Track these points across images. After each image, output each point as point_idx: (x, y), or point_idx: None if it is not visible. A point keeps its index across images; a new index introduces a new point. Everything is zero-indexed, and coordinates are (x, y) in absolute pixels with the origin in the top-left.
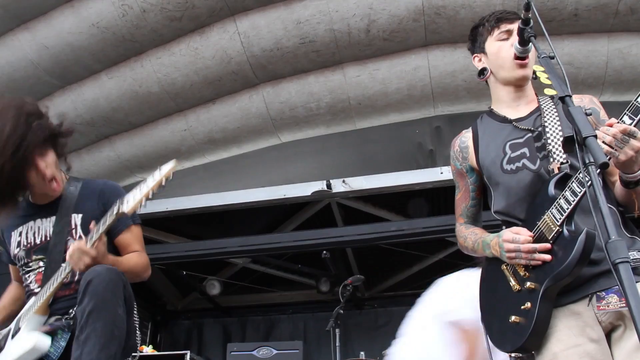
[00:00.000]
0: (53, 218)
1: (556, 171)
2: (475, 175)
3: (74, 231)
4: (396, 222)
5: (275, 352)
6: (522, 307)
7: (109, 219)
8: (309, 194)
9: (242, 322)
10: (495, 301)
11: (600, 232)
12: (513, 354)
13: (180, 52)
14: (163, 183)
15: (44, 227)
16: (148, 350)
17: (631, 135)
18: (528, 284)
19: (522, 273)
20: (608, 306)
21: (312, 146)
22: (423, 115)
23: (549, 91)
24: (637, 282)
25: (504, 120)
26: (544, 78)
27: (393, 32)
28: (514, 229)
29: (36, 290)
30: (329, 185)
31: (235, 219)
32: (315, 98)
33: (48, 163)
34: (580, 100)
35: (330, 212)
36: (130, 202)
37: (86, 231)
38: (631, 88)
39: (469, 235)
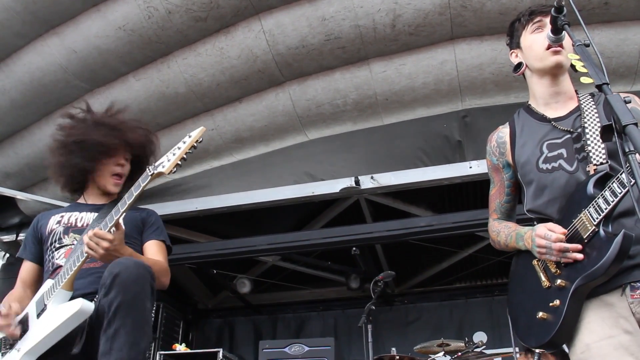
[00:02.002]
0: (94, 214)
1: (593, 173)
2: (511, 171)
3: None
4: (425, 217)
5: (307, 348)
6: (551, 304)
7: (143, 182)
8: (338, 190)
9: (272, 320)
10: (523, 295)
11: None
12: (538, 350)
13: (206, 52)
14: (195, 144)
15: (88, 217)
16: (181, 348)
17: None
18: (559, 281)
19: (553, 270)
20: None
21: (340, 143)
22: (450, 109)
23: (585, 79)
24: None
25: (543, 118)
26: (579, 66)
27: (419, 26)
28: (549, 224)
29: (61, 263)
30: (357, 182)
31: (264, 218)
32: (342, 94)
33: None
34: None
35: (359, 208)
36: (165, 164)
37: (128, 227)
38: None
39: (502, 229)
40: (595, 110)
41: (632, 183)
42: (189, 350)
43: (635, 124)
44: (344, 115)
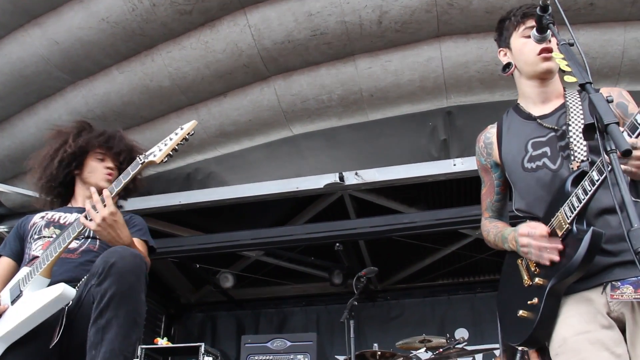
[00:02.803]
0: (77, 215)
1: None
2: (499, 171)
3: None
4: (409, 214)
5: (289, 343)
6: (529, 302)
7: (133, 169)
8: (322, 186)
9: (255, 315)
10: (509, 294)
11: (622, 220)
12: (520, 348)
13: (191, 45)
14: (187, 137)
15: (72, 217)
16: (163, 342)
17: (635, 148)
18: (537, 279)
19: (533, 268)
20: (622, 296)
21: (324, 139)
22: (436, 107)
23: (568, 78)
24: None
25: (529, 117)
26: (563, 65)
27: (405, 23)
28: (532, 223)
29: (38, 254)
30: (341, 178)
31: (248, 212)
32: (327, 90)
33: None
34: (609, 94)
35: (342, 204)
36: (157, 154)
37: None
38: None
39: (491, 230)
40: (580, 107)
41: (603, 177)
42: (170, 345)
43: (617, 123)
44: (329, 111)
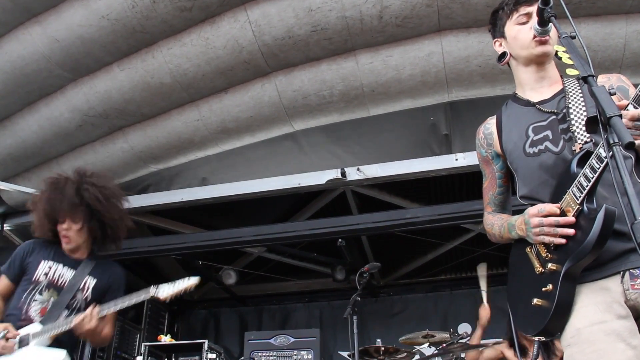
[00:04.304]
0: (73, 272)
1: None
2: (501, 161)
3: (84, 289)
4: (411, 209)
5: (292, 339)
6: (544, 289)
7: (139, 297)
8: (324, 182)
9: (258, 311)
10: (520, 285)
11: (626, 212)
12: (537, 338)
13: (192, 42)
14: (189, 290)
15: (66, 276)
16: (166, 339)
17: None
18: (549, 265)
19: (544, 255)
20: None
21: (326, 134)
22: (437, 101)
23: (571, 71)
24: None
25: (528, 103)
26: (565, 58)
27: (406, 18)
28: (540, 205)
29: (36, 319)
30: (343, 174)
31: (250, 209)
32: (328, 86)
33: (72, 228)
34: (607, 79)
35: (345, 200)
36: (163, 292)
37: (95, 293)
38: None
39: (495, 222)
40: (580, 92)
41: (610, 155)
42: (174, 342)
43: (620, 116)
44: (330, 107)
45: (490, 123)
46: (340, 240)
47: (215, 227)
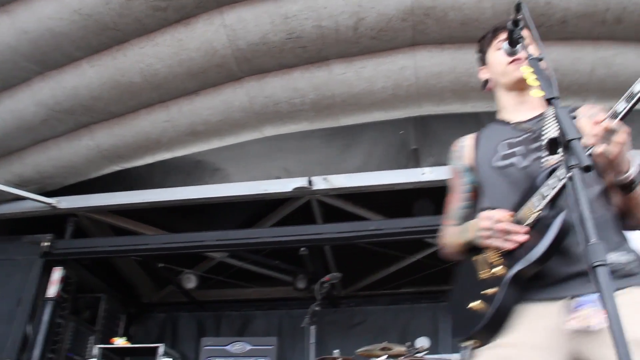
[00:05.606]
0: None
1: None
2: (471, 176)
3: None
4: (375, 221)
5: (249, 347)
6: (488, 291)
7: None
8: (290, 190)
9: (217, 317)
10: (463, 292)
11: (578, 235)
12: (469, 343)
13: (165, 42)
14: None
15: None
16: (121, 342)
17: (613, 131)
18: (497, 269)
19: (493, 259)
20: (582, 320)
21: (295, 142)
22: (408, 115)
23: (536, 92)
24: (620, 287)
25: (505, 123)
26: (532, 79)
27: (381, 30)
28: (492, 211)
29: None
30: (310, 182)
31: (215, 213)
32: (300, 94)
33: None
34: (590, 108)
35: (309, 209)
36: None
37: None
38: (613, 96)
39: (452, 230)
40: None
41: (568, 174)
42: (128, 345)
43: (579, 139)
44: (301, 115)
45: (467, 137)
46: (303, 248)
47: (178, 229)
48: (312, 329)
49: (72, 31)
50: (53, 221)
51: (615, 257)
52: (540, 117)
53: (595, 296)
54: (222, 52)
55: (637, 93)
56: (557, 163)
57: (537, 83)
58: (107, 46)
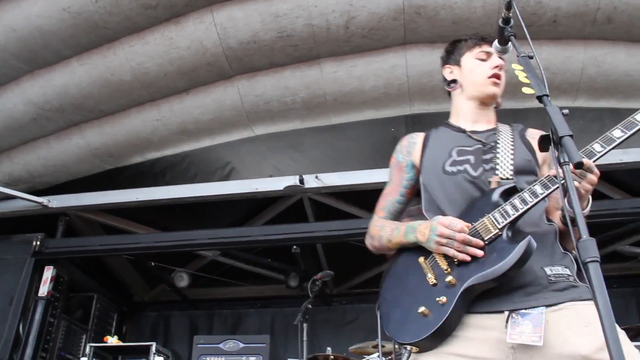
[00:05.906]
0: None
1: (494, 185)
2: (413, 173)
3: None
4: (367, 219)
5: (242, 345)
6: (437, 299)
7: None
8: (282, 188)
9: (209, 315)
10: (401, 292)
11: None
12: (409, 347)
13: (155, 41)
14: None
15: None
16: (113, 340)
17: (589, 170)
18: (449, 278)
19: (443, 267)
20: (521, 336)
21: (286, 141)
22: (399, 113)
23: (526, 90)
24: (564, 300)
25: (459, 130)
26: (522, 77)
27: (372, 29)
28: (451, 218)
29: None
30: (301, 181)
31: (206, 211)
32: (291, 92)
33: None
34: (537, 133)
35: (301, 207)
36: None
37: None
38: (604, 95)
39: (387, 224)
40: (511, 134)
41: (554, 187)
42: (121, 343)
43: (571, 136)
44: (292, 113)
45: (418, 135)
46: (295, 247)
47: (169, 228)
48: (305, 326)
49: (61, 29)
50: (44, 220)
51: (561, 270)
52: (493, 131)
53: (536, 311)
54: (213, 51)
55: (618, 138)
56: (505, 180)
57: (527, 81)
58: (97, 44)
